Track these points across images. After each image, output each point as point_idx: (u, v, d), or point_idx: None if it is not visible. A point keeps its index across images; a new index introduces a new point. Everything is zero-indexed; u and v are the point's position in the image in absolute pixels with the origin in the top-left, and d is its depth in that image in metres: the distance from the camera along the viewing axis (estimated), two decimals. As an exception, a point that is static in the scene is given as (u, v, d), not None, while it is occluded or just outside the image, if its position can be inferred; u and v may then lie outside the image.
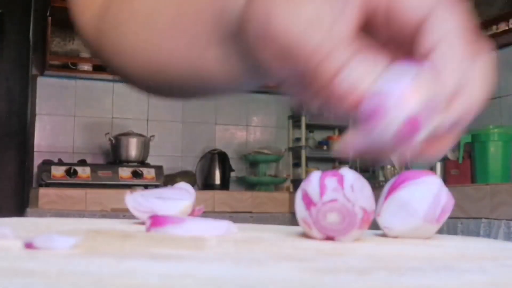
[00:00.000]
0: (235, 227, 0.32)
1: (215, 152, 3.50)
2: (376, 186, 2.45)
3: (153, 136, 3.17)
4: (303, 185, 0.32)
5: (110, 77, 3.05)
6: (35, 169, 3.17)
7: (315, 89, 0.34)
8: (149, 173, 3.06)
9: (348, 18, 0.35)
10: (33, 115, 3.23)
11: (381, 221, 0.35)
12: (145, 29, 0.52)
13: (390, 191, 0.34)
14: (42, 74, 3.20)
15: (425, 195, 0.33)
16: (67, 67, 3.16)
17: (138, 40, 0.53)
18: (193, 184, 3.45)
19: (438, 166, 2.77)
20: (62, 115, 3.32)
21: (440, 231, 0.36)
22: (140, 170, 3.05)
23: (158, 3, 0.52)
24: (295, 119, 3.86)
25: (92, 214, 2.67)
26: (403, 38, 0.36)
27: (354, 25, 0.35)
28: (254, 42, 0.38)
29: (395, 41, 0.37)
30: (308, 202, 0.31)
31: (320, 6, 0.35)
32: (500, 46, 2.74)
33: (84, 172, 2.97)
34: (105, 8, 0.55)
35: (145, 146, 3.14)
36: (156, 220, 0.30)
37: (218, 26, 0.44)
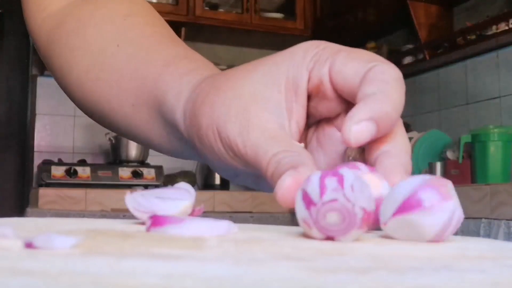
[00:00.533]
0: (235, 227, 0.32)
1: (215, 152, 3.49)
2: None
3: (153, 136, 3.17)
4: (303, 185, 0.32)
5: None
6: (35, 169, 3.17)
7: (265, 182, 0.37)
8: (149, 173, 3.06)
9: (299, 117, 0.39)
10: (33, 115, 3.23)
11: (387, 230, 0.35)
12: (94, 68, 0.52)
13: (401, 209, 0.33)
14: (42, 74, 3.20)
15: (438, 221, 0.33)
16: (67, 67, 3.16)
17: (87, 76, 0.53)
18: (193, 184, 3.45)
19: (438, 166, 2.77)
20: (62, 115, 3.32)
21: (440, 231, 0.36)
22: (140, 170, 3.05)
23: (108, 46, 0.51)
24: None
25: (92, 214, 2.67)
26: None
27: (304, 119, 0.39)
28: (201, 150, 0.41)
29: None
30: (308, 202, 0.31)
31: (271, 116, 0.38)
32: (500, 46, 2.74)
33: (84, 172, 2.97)
34: (59, 19, 0.55)
35: (145, 146, 3.14)
36: (156, 220, 0.30)
37: (157, 108, 0.46)
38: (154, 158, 3.17)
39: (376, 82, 0.36)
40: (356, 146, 0.35)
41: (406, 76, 3.37)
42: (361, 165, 0.38)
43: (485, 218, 2.17)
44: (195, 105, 0.41)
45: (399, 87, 0.37)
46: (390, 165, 0.36)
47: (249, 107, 0.38)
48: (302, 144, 0.38)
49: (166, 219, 0.30)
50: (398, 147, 0.37)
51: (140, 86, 0.47)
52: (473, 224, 2.21)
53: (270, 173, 0.36)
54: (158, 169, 3.08)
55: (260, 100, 0.38)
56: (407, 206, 0.33)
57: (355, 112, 0.35)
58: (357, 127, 0.34)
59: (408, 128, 3.32)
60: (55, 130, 3.34)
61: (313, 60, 0.38)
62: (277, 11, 3.80)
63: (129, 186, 2.96)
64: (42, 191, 2.79)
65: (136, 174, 3.01)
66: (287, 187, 0.34)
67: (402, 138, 0.38)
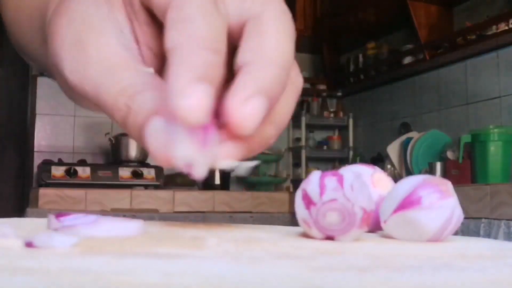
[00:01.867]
0: (146, 227, 0.30)
1: (215, 152, 3.49)
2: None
3: (153, 136, 3.17)
4: (303, 185, 0.32)
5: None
6: (35, 169, 3.17)
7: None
8: (149, 173, 3.06)
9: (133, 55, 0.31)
10: (33, 115, 3.23)
11: (387, 229, 0.35)
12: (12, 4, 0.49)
13: (401, 207, 0.34)
14: (42, 74, 3.20)
15: (437, 219, 0.33)
16: (67, 67, 3.16)
17: (8, 8, 0.50)
18: (193, 184, 3.45)
19: (438, 166, 2.77)
20: (62, 115, 3.32)
21: (440, 231, 0.36)
22: (140, 170, 3.05)
23: None
24: (295, 119, 3.87)
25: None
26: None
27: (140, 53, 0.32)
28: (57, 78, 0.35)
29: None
30: (308, 202, 0.31)
31: (111, 55, 0.31)
32: (500, 46, 2.74)
33: (84, 172, 2.97)
34: None
35: (145, 146, 3.14)
36: (62, 215, 0.28)
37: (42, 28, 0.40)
38: (154, 158, 3.17)
39: (250, 41, 0.29)
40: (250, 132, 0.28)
41: (406, 76, 3.39)
42: (364, 166, 0.38)
43: (485, 218, 2.17)
44: (48, 28, 0.34)
45: (280, 29, 0.30)
46: (238, 83, 0.28)
47: (84, 34, 0.31)
48: (151, 69, 0.31)
49: (75, 217, 0.28)
50: (260, 55, 0.29)
51: (42, 15, 0.43)
52: (473, 224, 2.21)
53: (121, 117, 0.30)
54: (158, 169, 3.08)
55: (96, 23, 0.31)
56: (407, 203, 0.33)
57: (237, 89, 0.28)
58: (246, 108, 0.28)
59: (408, 128, 3.32)
60: (55, 130, 3.34)
61: None
62: (277, 11, 3.79)
63: (129, 186, 2.96)
64: (42, 191, 2.79)
65: (136, 174, 3.01)
66: (162, 145, 0.28)
67: (272, 39, 0.30)
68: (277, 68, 0.29)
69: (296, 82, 0.34)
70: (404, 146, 3.12)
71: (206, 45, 0.27)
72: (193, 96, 0.26)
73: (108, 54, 0.30)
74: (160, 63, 0.33)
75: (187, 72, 0.27)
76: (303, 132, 3.73)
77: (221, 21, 0.29)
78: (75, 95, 0.33)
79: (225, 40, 0.29)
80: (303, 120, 3.72)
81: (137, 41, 0.32)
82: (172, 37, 0.28)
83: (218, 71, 0.28)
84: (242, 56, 0.29)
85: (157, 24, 0.33)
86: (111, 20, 0.32)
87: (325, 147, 3.87)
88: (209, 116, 0.27)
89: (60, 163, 3.09)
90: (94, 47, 0.30)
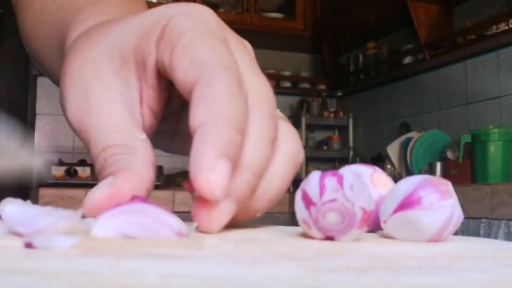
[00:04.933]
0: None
1: (215, 152, 3.49)
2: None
3: (153, 136, 3.17)
4: (302, 185, 0.32)
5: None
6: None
7: None
8: (149, 173, 3.05)
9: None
10: (33, 115, 3.23)
11: (387, 229, 0.35)
12: (34, 27, 0.51)
13: (401, 207, 0.34)
14: (42, 74, 3.20)
15: (438, 219, 0.33)
16: (67, 67, 3.16)
17: (31, 35, 0.52)
18: (193, 184, 3.44)
19: (438, 166, 2.78)
20: (62, 115, 3.32)
21: (440, 231, 0.36)
22: (140, 170, 3.04)
23: (45, 2, 0.49)
24: (295, 119, 3.87)
25: (92, 214, 2.67)
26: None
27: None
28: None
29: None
30: (308, 202, 0.31)
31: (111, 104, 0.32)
32: (500, 46, 2.74)
33: (84, 172, 2.97)
34: None
35: (145, 146, 3.14)
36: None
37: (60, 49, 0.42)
38: (154, 158, 3.17)
39: (203, 107, 0.29)
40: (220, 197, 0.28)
41: (406, 76, 3.39)
42: (364, 166, 0.38)
43: (485, 218, 2.17)
44: (65, 56, 0.35)
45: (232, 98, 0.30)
46: (196, 149, 0.28)
47: (92, 85, 0.32)
48: (144, 136, 0.32)
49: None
50: (214, 115, 0.29)
51: (60, 36, 0.43)
52: (473, 224, 2.21)
53: (97, 170, 0.31)
54: (158, 169, 3.08)
55: (106, 77, 0.32)
56: (407, 203, 0.33)
57: (199, 157, 0.28)
58: (216, 211, 0.29)
59: (408, 128, 3.32)
60: (55, 130, 3.34)
61: (161, 34, 0.32)
62: (277, 11, 3.80)
63: (129, 186, 2.96)
64: (42, 191, 2.79)
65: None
66: (97, 200, 0.29)
67: (251, 141, 0.31)
68: (251, 175, 0.30)
69: (296, 157, 0.35)
70: (404, 146, 3.12)
71: (230, 124, 0.29)
72: (217, 173, 0.27)
73: (108, 111, 0.31)
74: (157, 122, 0.35)
75: (212, 148, 0.28)
76: (303, 132, 3.73)
77: (243, 100, 0.30)
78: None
79: (246, 118, 0.30)
80: (303, 120, 3.72)
81: (141, 101, 0.33)
82: (198, 114, 0.29)
83: (238, 149, 0.29)
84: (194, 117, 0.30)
85: (161, 88, 0.34)
86: (120, 77, 0.33)
87: (325, 147, 3.87)
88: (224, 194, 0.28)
89: (60, 163, 3.09)
90: (98, 102, 0.32)
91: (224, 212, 0.29)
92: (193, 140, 0.29)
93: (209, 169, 0.27)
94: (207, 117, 0.29)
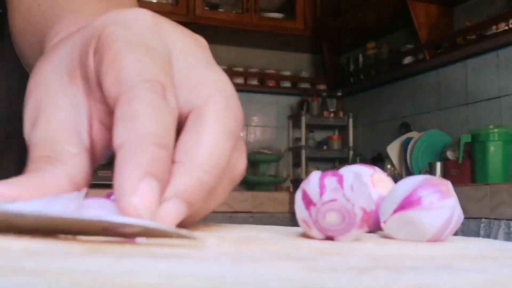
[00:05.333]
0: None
1: (215, 152, 3.49)
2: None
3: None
4: (302, 185, 0.32)
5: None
6: (35, 169, 3.16)
7: None
8: (149, 173, 3.05)
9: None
10: (33, 115, 3.22)
11: (387, 229, 0.35)
12: (22, 30, 0.51)
13: (401, 207, 0.34)
14: (42, 74, 3.20)
15: (438, 219, 0.33)
16: (67, 67, 3.16)
17: (18, 39, 0.51)
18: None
19: (438, 166, 2.77)
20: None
21: (440, 231, 0.36)
22: (140, 170, 3.04)
23: (32, 5, 0.48)
24: (295, 119, 3.87)
25: (92, 214, 2.67)
26: None
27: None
28: None
29: None
30: (308, 202, 0.31)
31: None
32: (500, 46, 2.74)
33: (84, 172, 2.96)
34: None
35: (145, 146, 3.14)
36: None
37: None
38: (154, 158, 3.17)
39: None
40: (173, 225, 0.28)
41: (406, 76, 3.39)
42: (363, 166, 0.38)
43: (485, 218, 2.17)
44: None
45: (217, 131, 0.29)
46: (118, 172, 0.27)
47: (40, 104, 0.32)
48: (76, 150, 0.31)
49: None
50: (189, 158, 0.29)
51: (41, 48, 0.43)
52: (473, 224, 2.21)
53: None
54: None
55: (54, 95, 0.32)
56: (407, 204, 0.33)
57: (121, 181, 0.27)
58: (161, 211, 0.27)
59: (408, 128, 3.32)
60: (55, 130, 3.34)
61: (96, 46, 0.31)
62: (277, 11, 3.80)
63: (129, 186, 2.96)
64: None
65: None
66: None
67: (205, 142, 0.29)
68: (203, 173, 0.28)
69: (234, 171, 0.33)
70: (404, 146, 3.12)
71: (153, 141, 0.27)
72: (140, 194, 0.26)
73: (50, 127, 0.31)
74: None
75: (133, 169, 0.27)
76: (303, 132, 3.73)
77: (169, 115, 0.29)
78: None
79: (173, 134, 0.29)
80: (303, 120, 3.72)
81: (91, 116, 0.32)
82: (119, 134, 0.28)
83: (165, 165, 0.28)
84: (176, 154, 0.29)
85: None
86: (67, 93, 0.32)
87: (325, 147, 3.88)
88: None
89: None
90: (45, 119, 0.31)
91: (171, 212, 0.28)
92: (115, 162, 0.28)
93: (131, 192, 0.26)
94: (127, 137, 0.28)
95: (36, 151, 0.30)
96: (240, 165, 0.33)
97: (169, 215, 0.27)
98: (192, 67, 0.32)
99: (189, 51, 0.33)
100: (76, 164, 0.30)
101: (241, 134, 0.33)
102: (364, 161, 3.47)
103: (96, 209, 0.28)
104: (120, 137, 0.28)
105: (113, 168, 0.28)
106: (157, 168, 0.27)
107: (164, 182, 0.27)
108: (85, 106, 0.32)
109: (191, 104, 0.30)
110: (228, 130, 0.30)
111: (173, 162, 0.29)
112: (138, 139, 0.27)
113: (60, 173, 0.29)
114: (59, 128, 0.31)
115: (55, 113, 0.31)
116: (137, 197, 0.26)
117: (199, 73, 0.31)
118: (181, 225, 0.28)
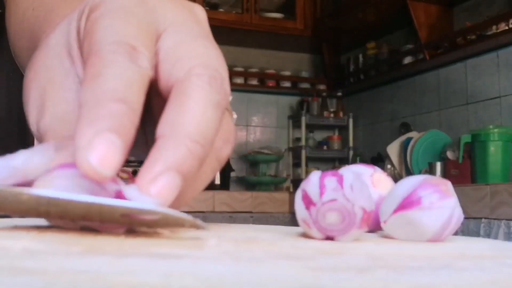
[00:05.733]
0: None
1: (215, 152, 3.49)
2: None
3: (153, 136, 3.17)
4: (302, 185, 0.32)
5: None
6: (35, 169, 3.16)
7: None
8: (149, 173, 3.05)
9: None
10: (33, 115, 3.22)
11: (387, 229, 0.35)
12: (17, 35, 0.50)
13: (401, 207, 0.34)
14: (42, 74, 3.20)
15: (438, 219, 0.33)
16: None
17: (15, 44, 0.51)
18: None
19: (438, 166, 2.77)
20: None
21: (440, 231, 0.36)
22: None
23: (27, 10, 0.48)
24: (295, 119, 3.87)
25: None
26: None
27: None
28: None
29: None
30: (308, 202, 0.31)
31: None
32: (500, 46, 2.74)
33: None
34: None
35: (145, 146, 3.14)
36: None
37: None
38: (154, 158, 3.17)
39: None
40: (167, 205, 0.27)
41: (406, 76, 3.39)
42: (363, 166, 0.38)
43: (485, 218, 2.17)
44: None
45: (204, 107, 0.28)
46: (149, 159, 0.27)
47: (44, 91, 0.32)
48: None
49: None
50: (176, 129, 0.28)
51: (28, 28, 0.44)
52: (473, 224, 2.21)
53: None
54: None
55: (57, 78, 0.32)
56: (407, 203, 0.33)
57: (147, 166, 0.27)
58: (155, 187, 0.26)
59: (408, 128, 3.32)
60: (55, 130, 3.34)
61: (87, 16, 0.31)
62: (277, 11, 3.80)
63: (129, 186, 2.96)
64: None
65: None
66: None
67: (192, 111, 0.28)
68: (191, 142, 0.27)
69: (219, 152, 0.32)
70: (404, 146, 3.12)
71: (113, 96, 0.26)
72: (96, 148, 0.25)
73: (59, 109, 0.31)
74: None
75: (90, 126, 0.26)
76: (303, 132, 3.73)
77: (134, 74, 0.28)
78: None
79: (140, 91, 0.28)
80: (303, 120, 3.72)
81: None
82: (81, 95, 0.27)
83: (127, 120, 0.26)
84: (160, 128, 0.28)
85: None
86: (69, 74, 0.32)
87: (325, 147, 3.88)
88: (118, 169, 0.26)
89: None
90: (52, 101, 0.31)
91: (166, 186, 0.26)
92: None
93: (86, 146, 0.25)
94: (89, 95, 0.27)
95: (50, 136, 0.30)
96: (226, 148, 0.32)
97: (164, 189, 0.26)
98: (180, 40, 0.31)
99: (179, 23, 0.32)
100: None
101: (234, 116, 0.32)
102: (364, 161, 3.47)
103: (64, 179, 0.27)
104: (81, 97, 0.27)
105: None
106: (116, 122, 0.26)
107: (126, 138, 0.26)
108: None
109: (174, 78, 0.30)
110: (212, 102, 0.29)
111: (157, 137, 0.28)
112: (96, 96, 0.27)
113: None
114: (69, 109, 0.31)
115: (62, 96, 0.31)
116: (94, 153, 0.25)
117: (186, 46, 0.31)
118: (171, 208, 0.27)
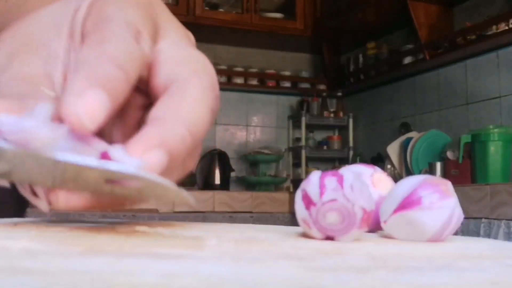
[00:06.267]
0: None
1: (215, 152, 3.50)
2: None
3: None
4: (302, 185, 0.32)
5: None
6: (35, 169, 3.16)
7: None
8: (149, 173, 3.05)
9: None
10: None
11: (387, 229, 0.35)
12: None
13: (401, 207, 0.34)
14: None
15: (438, 219, 0.33)
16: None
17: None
18: (193, 184, 3.45)
19: (438, 166, 2.77)
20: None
21: (440, 231, 0.36)
22: (140, 170, 3.04)
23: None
24: (295, 119, 3.87)
25: (92, 214, 2.67)
26: None
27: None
28: None
29: None
30: (308, 202, 0.31)
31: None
32: (500, 46, 2.74)
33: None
34: None
35: (145, 146, 3.14)
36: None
37: None
38: (154, 158, 3.16)
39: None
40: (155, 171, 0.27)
41: (406, 76, 3.39)
42: (362, 166, 0.38)
43: (485, 218, 2.17)
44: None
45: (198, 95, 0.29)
46: (142, 133, 0.27)
47: (17, 51, 0.32)
48: (52, 93, 0.30)
49: None
50: (173, 113, 0.28)
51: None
52: (473, 224, 2.21)
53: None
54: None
55: (32, 44, 0.32)
56: (407, 203, 0.33)
57: (139, 138, 0.27)
58: (148, 157, 0.26)
59: (408, 128, 3.32)
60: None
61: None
62: (277, 11, 3.80)
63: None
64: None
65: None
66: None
67: (190, 104, 0.29)
68: (185, 129, 0.28)
69: (186, 162, 0.32)
70: (404, 146, 3.12)
71: (112, 60, 0.27)
72: (86, 99, 0.25)
73: (24, 71, 0.30)
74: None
75: (86, 78, 0.26)
76: (303, 132, 3.73)
77: (136, 49, 0.29)
78: None
79: (137, 68, 0.29)
80: (303, 120, 3.72)
81: (66, 72, 0.32)
82: (83, 54, 0.28)
83: (120, 86, 0.27)
84: (155, 111, 0.28)
85: None
86: (47, 45, 0.32)
87: (325, 147, 3.88)
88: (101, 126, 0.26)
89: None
90: (19, 63, 0.31)
91: (155, 161, 0.26)
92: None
93: (77, 93, 0.25)
94: (91, 55, 0.28)
95: (9, 88, 0.29)
96: (190, 162, 0.33)
97: (153, 162, 0.26)
98: (181, 45, 0.32)
99: (178, 34, 0.33)
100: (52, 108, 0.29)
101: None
102: (364, 161, 3.47)
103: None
104: (82, 55, 0.28)
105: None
106: (110, 85, 0.27)
107: (114, 104, 0.27)
108: (63, 61, 0.32)
109: (176, 76, 0.30)
110: (209, 105, 0.30)
111: (153, 118, 0.28)
112: (98, 57, 0.27)
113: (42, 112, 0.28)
114: (35, 73, 0.31)
115: (32, 60, 0.31)
116: (82, 102, 0.25)
117: (188, 52, 0.32)
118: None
